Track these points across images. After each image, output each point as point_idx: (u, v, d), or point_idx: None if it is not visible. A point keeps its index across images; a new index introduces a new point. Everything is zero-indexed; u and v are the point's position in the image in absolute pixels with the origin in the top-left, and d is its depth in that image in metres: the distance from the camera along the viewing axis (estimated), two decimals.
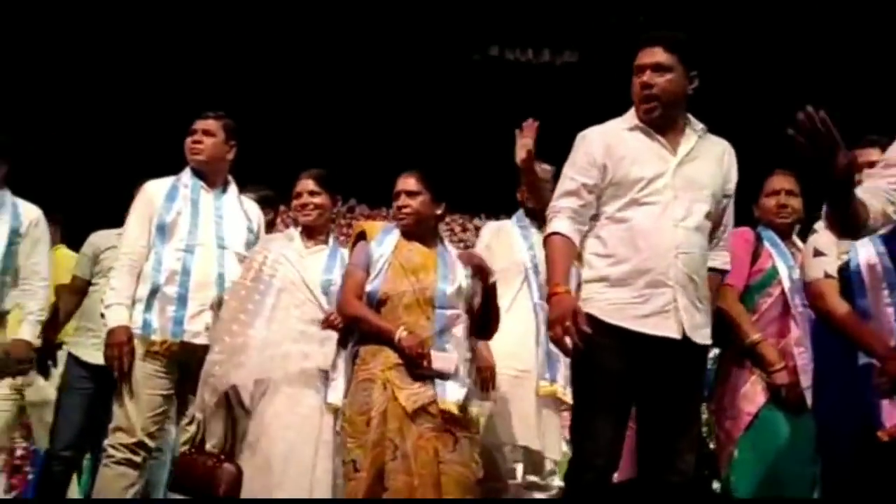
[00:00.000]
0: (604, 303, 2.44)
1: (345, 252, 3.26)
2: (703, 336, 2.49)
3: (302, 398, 3.03)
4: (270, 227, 3.89)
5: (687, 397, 2.50)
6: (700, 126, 2.56)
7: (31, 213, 3.57)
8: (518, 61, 7.23)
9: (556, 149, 2.89)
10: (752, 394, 2.96)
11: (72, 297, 4.03)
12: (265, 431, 3.00)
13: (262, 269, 3.14)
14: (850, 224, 2.17)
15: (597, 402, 2.43)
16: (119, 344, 3.08)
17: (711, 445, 3.42)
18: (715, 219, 2.54)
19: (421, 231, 3.05)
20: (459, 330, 2.94)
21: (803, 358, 2.93)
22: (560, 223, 2.47)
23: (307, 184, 3.24)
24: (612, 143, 2.51)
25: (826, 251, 2.69)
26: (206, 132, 3.31)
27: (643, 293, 2.41)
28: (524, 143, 3.12)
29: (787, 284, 3.01)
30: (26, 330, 3.52)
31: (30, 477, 4.89)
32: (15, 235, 3.49)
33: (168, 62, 6.08)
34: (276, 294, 3.11)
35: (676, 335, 2.41)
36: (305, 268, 3.17)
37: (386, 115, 6.71)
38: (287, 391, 3.03)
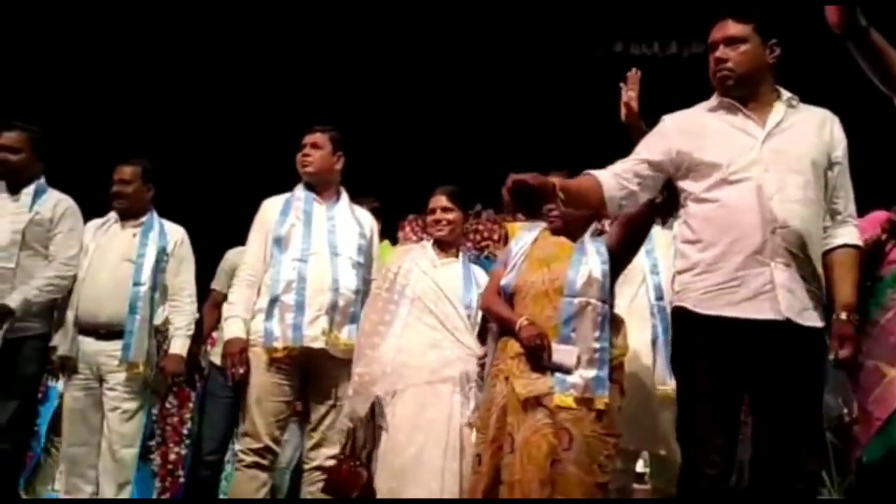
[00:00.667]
0: (696, 292, 2.32)
1: (476, 268, 3.41)
2: (811, 318, 2.29)
3: (430, 403, 3.08)
4: (381, 235, 4.02)
5: (801, 389, 2.29)
6: (790, 96, 2.42)
7: (176, 233, 3.86)
8: (644, 55, 7.01)
9: None
10: (886, 397, 2.62)
11: (212, 311, 4.27)
12: (395, 436, 3.07)
13: (396, 278, 3.27)
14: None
15: (700, 406, 2.28)
16: (232, 354, 3.27)
17: None
18: (823, 190, 2.37)
19: (570, 228, 2.94)
20: (587, 320, 2.72)
21: None
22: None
23: (440, 200, 3.35)
24: (691, 126, 2.41)
25: None
26: (314, 145, 3.45)
27: (737, 276, 2.26)
28: (628, 97, 2.96)
29: None
30: (177, 345, 3.79)
31: (182, 481, 5.19)
32: (162, 254, 3.77)
33: (282, 75, 6.29)
34: (410, 303, 3.21)
35: (777, 317, 2.24)
36: (439, 278, 3.26)
37: (510, 118, 6.66)
38: (416, 397, 3.09)
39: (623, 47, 7.27)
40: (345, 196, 3.53)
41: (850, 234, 2.42)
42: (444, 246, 3.36)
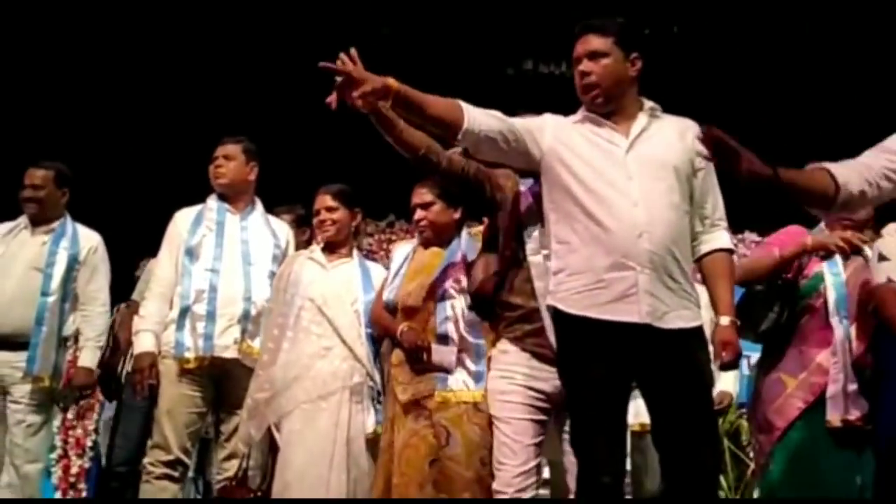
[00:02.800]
0: (567, 293, 2.33)
1: (372, 265, 3.40)
2: (676, 320, 2.29)
3: (316, 417, 3.08)
4: (307, 244, 4.01)
5: (679, 388, 2.28)
6: (651, 105, 2.47)
7: (90, 239, 3.75)
8: (552, 74, 7.21)
9: None
10: (785, 408, 2.85)
11: (131, 322, 4.16)
12: (282, 455, 3.09)
13: (286, 288, 3.23)
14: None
15: (586, 410, 2.30)
16: (142, 369, 3.26)
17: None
18: (689, 196, 2.41)
19: (441, 240, 3.07)
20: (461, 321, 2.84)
21: (836, 368, 2.82)
22: None
23: (324, 199, 3.31)
24: (562, 132, 2.43)
25: (891, 256, 2.67)
26: (227, 157, 3.45)
27: (604, 278, 2.29)
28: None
29: (831, 295, 2.88)
30: (86, 357, 3.70)
31: (83, 494, 5.08)
32: (74, 262, 3.67)
33: (193, 86, 6.22)
34: (298, 312, 3.18)
35: (639, 320, 2.26)
36: (328, 283, 3.23)
37: None
38: (303, 413, 3.09)
39: (533, 65, 7.47)
40: (259, 206, 3.53)
41: (720, 238, 2.48)
42: (334, 247, 3.32)
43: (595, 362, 2.27)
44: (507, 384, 2.55)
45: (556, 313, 2.37)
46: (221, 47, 6.03)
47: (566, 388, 2.37)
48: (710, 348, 2.46)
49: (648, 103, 2.47)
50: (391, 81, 2.26)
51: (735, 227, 6.70)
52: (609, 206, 2.31)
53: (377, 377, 3.14)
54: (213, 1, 5.99)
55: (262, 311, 3.31)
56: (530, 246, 2.57)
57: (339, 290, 3.22)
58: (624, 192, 2.32)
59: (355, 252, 3.39)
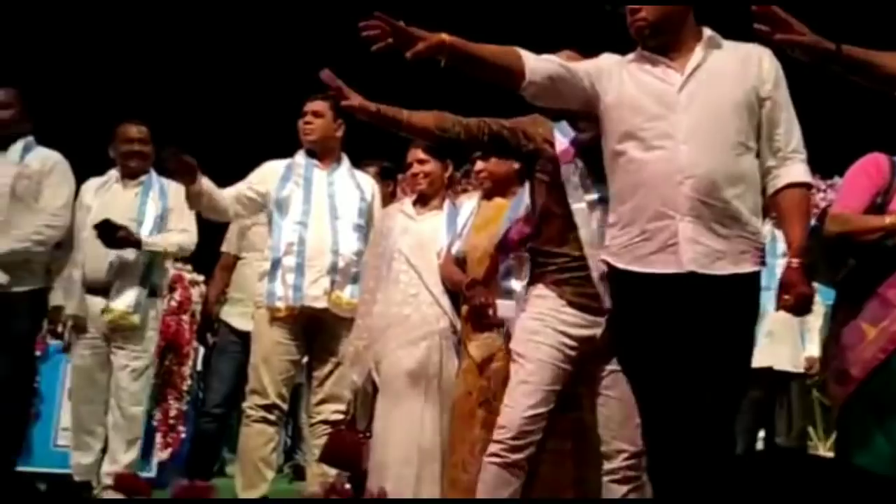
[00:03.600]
0: (616, 247, 2.25)
1: (464, 208, 3.36)
2: (726, 266, 2.15)
3: (410, 359, 3.16)
4: (392, 197, 4.07)
5: (716, 340, 2.14)
6: (710, 34, 2.28)
7: (175, 188, 3.80)
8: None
9: None
10: (863, 358, 2.56)
11: (222, 272, 4.33)
12: (381, 395, 3.20)
13: (379, 241, 3.33)
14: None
15: (639, 369, 2.22)
16: None
17: None
18: (754, 129, 2.22)
19: (503, 191, 3.11)
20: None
21: None
22: None
23: (416, 153, 3.34)
24: (620, 68, 2.31)
25: None
26: (316, 114, 3.50)
27: (646, 229, 2.18)
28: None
29: None
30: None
31: (183, 436, 5.31)
32: (165, 211, 3.82)
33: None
34: (388, 264, 3.26)
35: (679, 270, 2.13)
36: (416, 234, 3.28)
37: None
38: (398, 354, 3.18)
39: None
40: (346, 161, 3.60)
41: (793, 171, 2.26)
42: (426, 199, 3.34)
43: (644, 317, 2.19)
44: (539, 325, 2.48)
45: (608, 268, 2.30)
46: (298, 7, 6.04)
47: (618, 345, 2.30)
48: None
49: (708, 33, 2.29)
50: (444, 37, 2.17)
51: (824, 172, 6.52)
52: (652, 151, 2.18)
53: (458, 325, 3.18)
54: None
55: (350, 263, 3.38)
56: (572, 193, 2.50)
57: (426, 241, 3.27)
58: (670, 134, 2.18)
59: (446, 203, 3.39)
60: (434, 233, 3.28)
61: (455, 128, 2.53)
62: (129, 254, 3.70)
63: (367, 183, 3.63)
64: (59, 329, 3.96)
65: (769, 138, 2.25)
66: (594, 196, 2.46)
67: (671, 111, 2.20)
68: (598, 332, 2.47)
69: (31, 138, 3.73)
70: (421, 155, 3.32)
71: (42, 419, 5.05)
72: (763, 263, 2.26)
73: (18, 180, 3.61)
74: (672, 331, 2.16)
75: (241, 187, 3.45)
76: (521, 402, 2.43)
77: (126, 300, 3.68)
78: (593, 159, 2.40)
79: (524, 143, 2.57)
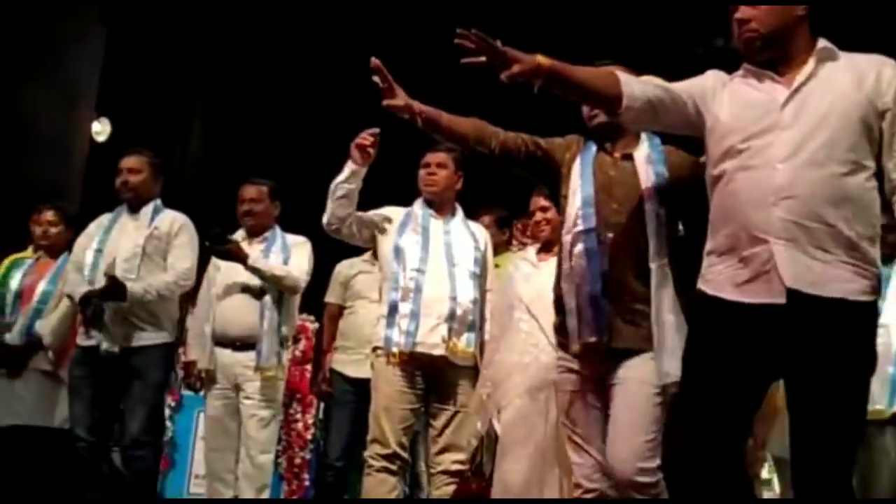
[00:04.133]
0: (713, 275, 2.10)
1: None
2: (833, 290, 1.96)
3: (530, 409, 3.15)
4: (508, 245, 4.11)
5: (820, 371, 1.95)
6: (823, 45, 2.11)
7: (298, 243, 4.09)
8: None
9: None
10: None
11: (330, 323, 4.51)
12: (501, 443, 3.21)
13: (503, 289, 3.39)
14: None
15: (694, 398, 2.07)
16: None
17: None
18: (868, 145, 2.04)
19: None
20: None
21: None
22: None
23: (538, 201, 3.37)
24: (724, 87, 2.18)
25: None
26: (440, 165, 3.57)
27: (743, 256, 2.02)
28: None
29: None
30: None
31: (307, 483, 5.45)
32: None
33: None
34: (510, 312, 3.29)
35: (774, 300, 1.96)
36: (536, 282, 3.27)
37: None
38: (517, 404, 3.19)
39: (725, 43, 7.14)
40: (460, 211, 3.66)
41: None
42: (549, 246, 3.32)
43: (722, 346, 2.04)
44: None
45: (699, 295, 2.14)
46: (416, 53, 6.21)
47: (684, 368, 2.15)
48: None
49: (821, 44, 2.12)
50: (542, 60, 2.10)
51: None
52: (748, 172, 2.04)
53: None
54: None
55: (467, 311, 3.42)
56: (565, 225, 2.48)
57: (546, 289, 3.24)
58: (768, 153, 2.02)
59: None
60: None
61: (492, 142, 2.51)
62: (265, 309, 3.89)
63: (481, 232, 3.67)
64: (193, 381, 4.15)
65: (890, 153, 2.05)
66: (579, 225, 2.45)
67: (772, 128, 2.05)
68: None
69: (158, 201, 3.97)
70: (543, 202, 3.34)
71: (176, 467, 5.29)
72: (877, 294, 2.05)
73: (149, 241, 3.83)
74: (764, 369, 2.03)
75: (361, 215, 3.52)
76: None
77: (265, 356, 3.86)
78: None
79: (557, 165, 2.57)
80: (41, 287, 4.15)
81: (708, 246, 2.16)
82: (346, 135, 3.33)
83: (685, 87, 2.21)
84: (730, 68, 2.51)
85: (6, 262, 4.35)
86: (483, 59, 2.07)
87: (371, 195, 3.47)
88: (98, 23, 6.41)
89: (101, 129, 7.10)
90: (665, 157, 2.52)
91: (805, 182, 1.99)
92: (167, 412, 5.33)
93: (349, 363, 4.30)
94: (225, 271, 3.99)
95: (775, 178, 2.00)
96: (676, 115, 2.20)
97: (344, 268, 4.50)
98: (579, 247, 2.45)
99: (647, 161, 2.50)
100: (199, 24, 6.72)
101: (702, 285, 2.15)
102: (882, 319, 3.63)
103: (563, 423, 2.60)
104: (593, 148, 2.55)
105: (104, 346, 3.67)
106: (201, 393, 4.16)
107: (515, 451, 3.14)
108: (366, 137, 3.17)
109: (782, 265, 1.97)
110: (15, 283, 4.19)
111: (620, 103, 2.15)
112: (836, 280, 1.97)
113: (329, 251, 4.63)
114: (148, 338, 3.76)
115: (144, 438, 3.72)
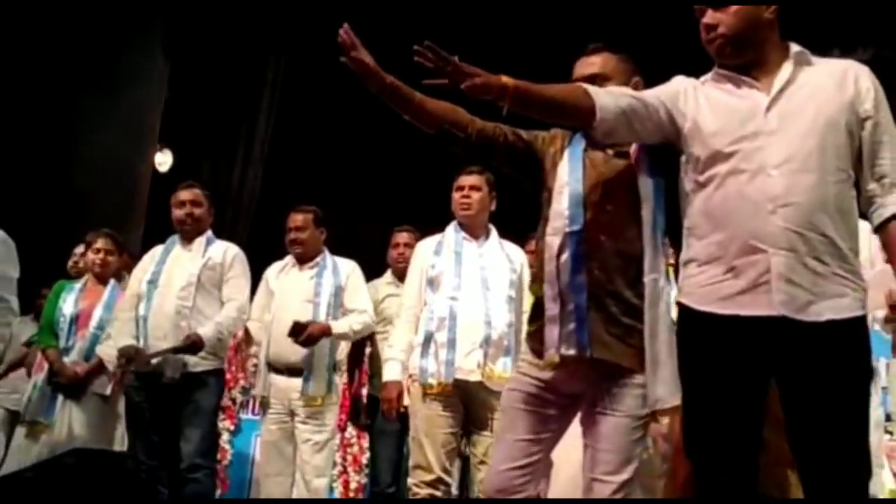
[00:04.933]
0: (695, 287, 2.02)
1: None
2: (823, 311, 1.91)
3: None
4: None
5: (823, 393, 1.90)
6: (798, 50, 2.06)
7: (348, 267, 4.18)
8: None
9: None
10: None
11: (358, 348, 4.52)
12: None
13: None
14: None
15: (706, 416, 1.99)
16: (390, 399, 3.47)
17: None
18: (854, 153, 2.00)
19: None
20: None
21: None
22: None
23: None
24: (696, 92, 2.11)
25: None
26: (473, 187, 3.57)
27: (734, 265, 1.95)
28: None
29: None
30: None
31: None
32: (339, 290, 4.10)
33: None
34: None
35: (772, 312, 1.90)
36: None
37: None
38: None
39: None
40: (494, 233, 3.64)
41: None
42: None
43: (720, 364, 1.96)
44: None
45: (681, 310, 2.06)
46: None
47: (684, 391, 2.06)
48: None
49: (795, 48, 2.07)
50: (506, 80, 2.03)
51: None
52: (738, 178, 1.97)
53: None
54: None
55: (503, 335, 3.39)
56: (551, 225, 2.30)
57: None
58: (758, 160, 1.96)
59: None
60: None
61: (468, 128, 2.33)
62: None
63: (517, 254, 3.64)
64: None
65: (871, 163, 2.00)
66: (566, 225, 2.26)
67: (758, 134, 1.99)
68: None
69: (210, 232, 4.10)
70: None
71: (234, 489, 5.38)
72: (864, 308, 1.98)
73: (203, 272, 3.94)
74: (752, 377, 1.95)
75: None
76: (495, 457, 2.35)
77: (318, 384, 3.94)
78: None
79: (541, 159, 2.38)
80: (98, 313, 4.33)
81: (686, 255, 2.08)
82: (403, 164, 3.37)
83: (656, 94, 2.15)
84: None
85: (55, 287, 4.53)
86: (445, 80, 2.00)
87: (405, 216, 3.49)
88: (161, 55, 6.65)
89: (163, 160, 7.34)
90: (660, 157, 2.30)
91: (800, 190, 1.94)
92: (226, 436, 5.45)
93: None
94: (279, 298, 4.08)
95: (771, 185, 1.94)
96: (650, 124, 2.12)
97: (371, 291, 4.43)
98: (566, 250, 2.26)
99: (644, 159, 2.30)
100: (257, 57, 6.92)
101: (684, 299, 2.06)
102: None
103: (503, 423, 2.41)
104: (583, 142, 2.33)
105: (167, 373, 3.79)
106: (259, 417, 4.24)
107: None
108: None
109: (775, 283, 1.91)
110: (69, 308, 4.37)
111: (594, 116, 2.07)
112: (830, 296, 1.93)
113: (373, 273, 4.69)
114: (202, 364, 3.86)
115: (200, 462, 3.80)
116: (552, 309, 2.27)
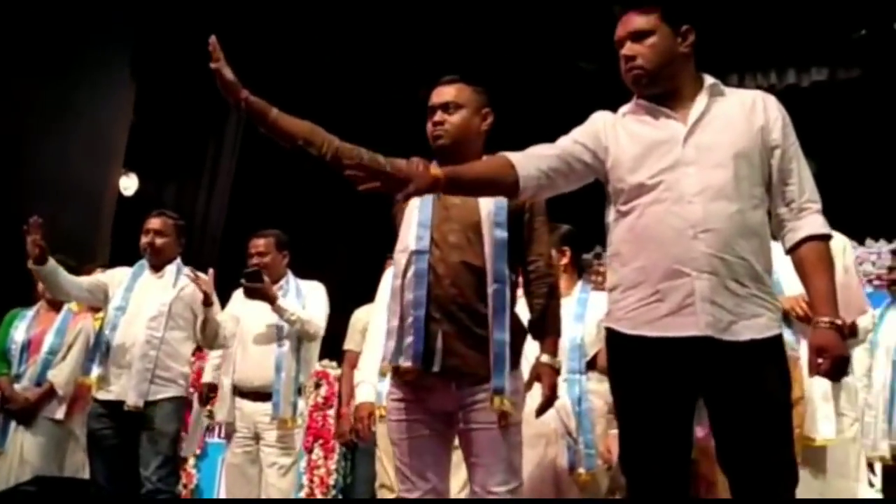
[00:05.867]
0: (622, 311, 2.10)
1: (594, 296, 3.27)
2: (745, 331, 2.00)
3: (534, 454, 3.12)
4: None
5: (747, 408, 1.99)
6: (712, 82, 2.17)
7: (311, 288, 4.19)
8: (761, 87, 6.91)
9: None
10: None
11: (350, 371, 4.50)
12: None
13: None
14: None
15: (640, 436, 2.07)
16: (361, 419, 3.47)
17: None
18: (765, 180, 2.10)
19: None
20: None
21: None
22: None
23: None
24: (615, 125, 2.21)
25: None
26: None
27: (658, 289, 2.04)
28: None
29: None
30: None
31: None
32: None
33: None
34: None
35: (697, 333, 2.00)
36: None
37: None
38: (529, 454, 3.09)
39: (739, 80, 7.17)
40: None
41: (812, 223, 2.10)
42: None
43: (651, 385, 2.05)
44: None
45: (610, 334, 2.16)
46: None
47: (618, 412, 2.17)
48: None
49: (709, 80, 2.18)
50: (436, 172, 2.11)
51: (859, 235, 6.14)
52: (661, 206, 2.06)
53: (572, 424, 3.10)
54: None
55: None
56: (399, 242, 2.45)
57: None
58: (678, 189, 2.05)
59: (578, 288, 3.32)
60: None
61: (323, 147, 2.40)
62: (283, 360, 3.97)
63: None
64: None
65: (781, 189, 2.11)
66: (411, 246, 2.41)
67: (678, 164, 2.08)
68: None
69: (179, 260, 4.09)
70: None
71: None
72: (780, 326, 2.09)
73: (176, 302, 3.94)
74: (681, 395, 2.04)
75: None
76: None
77: (281, 408, 3.94)
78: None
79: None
80: (49, 339, 4.35)
81: (611, 281, 2.17)
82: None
83: (576, 138, 2.23)
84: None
85: (7, 317, 4.53)
86: (377, 184, 2.02)
87: (374, 241, 3.48)
88: (128, 78, 6.63)
89: (128, 184, 7.32)
90: None
91: (719, 216, 2.03)
92: (192, 460, 5.42)
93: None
94: (244, 322, 4.08)
95: (692, 212, 2.03)
96: (574, 176, 2.22)
97: (363, 314, 4.54)
98: (412, 268, 2.41)
99: None
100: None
101: (612, 324, 2.14)
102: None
103: (395, 456, 2.49)
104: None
105: (130, 401, 3.77)
106: (224, 440, 4.23)
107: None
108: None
109: (699, 305, 2.00)
110: (20, 335, 4.39)
111: (517, 189, 2.16)
112: (749, 316, 2.02)
113: (349, 297, 4.72)
114: (164, 392, 3.86)
115: (161, 486, 3.78)
116: (392, 322, 2.42)
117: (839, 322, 2.01)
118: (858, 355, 4.00)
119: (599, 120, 2.25)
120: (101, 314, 4.17)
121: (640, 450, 2.07)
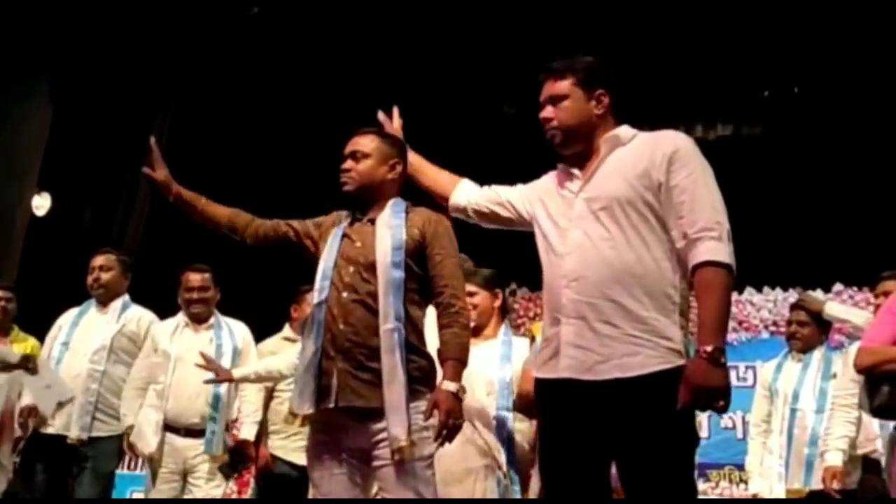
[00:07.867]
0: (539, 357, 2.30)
1: (516, 340, 3.31)
2: (611, 370, 2.07)
3: (452, 491, 3.07)
4: None
5: (626, 447, 2.07)
6: (614, 133, 2.25)
7: (242, 329, 4.20)
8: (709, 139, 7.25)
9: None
10: None
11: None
12: None
13: None
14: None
15: (553, 476, 2.20)
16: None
17: None
18: (652, 218, 2.14)
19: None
20: None
21: None
22: None
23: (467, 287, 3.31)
24: (541, 190, 2.41)
25: None
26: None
27: (547, 336, 2.22)
28: None
29: None
30: (246, 431, 4.12)
31: None
32: (236, 352, 4.11)
33: None
34: None
35: (555, 376, 2.15)
36: (470, 366, 3.03)
37: None
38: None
39: (651, 130, 7.50)
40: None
41: (702, 251, 2.07)
42: (477, 331, 3.21)
43: (550, 425, 2.23)
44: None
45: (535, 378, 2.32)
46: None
47: (542, 457, 2.28)
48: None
49: (612, 132, 2.25)
50: (413, 157, 2.64)
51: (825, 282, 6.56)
52: (550, 260, 2.24)
53: (502, 458, 3.11)
54: None
55: None
56: (312, 294, 2.62)
57: (472, 372, 2.96)
58: (561, 241, 2.22)
59: (503, 330, 3.34)
60: (481, 364, 3.17)
61: (246, 230, 2.73)
62: (219, 399, 3.95)
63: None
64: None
65: (676, 223, 2.12)
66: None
67: (570, 219, 2.22)
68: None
69: (126, 297, 4.08)
70: (470, 288, 3.26)
71: None
72: (672, 361, 2.06)
73: (118, 338, 3.94)
74: (577, 434, 2.13)
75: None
76: None
77: (215, 444, 3.94)
78: None
79: (307, 245, 2.71)
80: None
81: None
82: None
83: (521, 192, 2.47)
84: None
85: None
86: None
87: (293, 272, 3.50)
88: (45, 98, 6.49)
89: (40, 204, 7.09)
90: (404, 222, 2.59)
91: (590, 265, 2.13)
92: None
93: (292, 449, 4.25)
94: (177, 360, 4.02)
95: (565, 264, 2.18)
96: (511, 218, 2.46)
97: (266, 347, 4.47)
98: (315, 318, 2.54)
99: (387, 225, 2.59)
100: (145, 104, 6.85)
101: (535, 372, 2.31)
102: (798, 404, 3.99)
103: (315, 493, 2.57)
104: (349, 219, 2.70)
105: (73, 434, 3.75)
106: (138, 472, 4.17)
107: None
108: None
109: (565, 348, 2.13)
110: None
111: (447, 202, 2.56)
112: (619, 356, 2.06)
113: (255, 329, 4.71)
114: (105, 430, 3.85)
115: None
116: (299, 369, 2.57)
117: (712, 350, 1.98)
118: (757, 402, 4.29)
119: (542, 185, 2.41)
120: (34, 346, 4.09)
121: (555, 484, 2.18)
